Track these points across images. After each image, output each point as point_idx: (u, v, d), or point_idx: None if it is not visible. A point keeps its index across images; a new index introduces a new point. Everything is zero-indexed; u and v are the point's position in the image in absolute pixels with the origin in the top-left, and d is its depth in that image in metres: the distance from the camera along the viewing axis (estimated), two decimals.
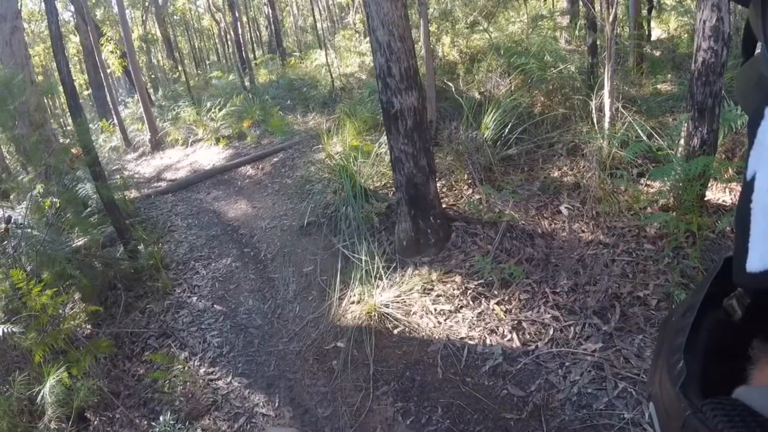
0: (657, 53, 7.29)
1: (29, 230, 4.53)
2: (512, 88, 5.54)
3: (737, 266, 0.30)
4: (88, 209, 5.44)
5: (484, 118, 4.91)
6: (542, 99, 5.30)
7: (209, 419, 3.21)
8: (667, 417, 0.34)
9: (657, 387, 0.36)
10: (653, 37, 8.23)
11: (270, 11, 17.30)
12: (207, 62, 24.54)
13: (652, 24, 9.36)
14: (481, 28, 7.51)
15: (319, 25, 17.94)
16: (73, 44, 15.99)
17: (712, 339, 0.35)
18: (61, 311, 3.73)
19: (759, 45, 0.32)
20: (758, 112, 0.30)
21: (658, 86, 5.84)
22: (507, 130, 4.76)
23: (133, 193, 7.33)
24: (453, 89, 5.71)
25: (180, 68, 18.76)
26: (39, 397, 3.04)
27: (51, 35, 4.91)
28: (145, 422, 3.33)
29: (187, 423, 3.17)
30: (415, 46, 5.31)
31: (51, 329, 3.48)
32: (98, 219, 5.42)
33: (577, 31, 6.99)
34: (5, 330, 3.30)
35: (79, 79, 17.96)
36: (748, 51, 0.34)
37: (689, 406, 0.30)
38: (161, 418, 3.17)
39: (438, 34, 7.41)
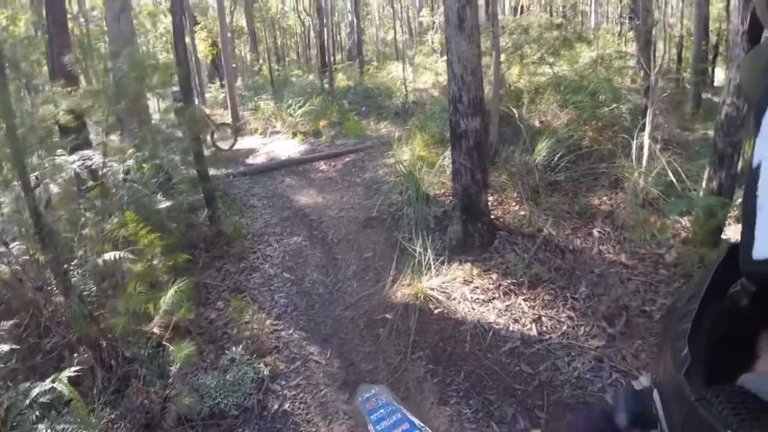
0: (717, 99, 7.57)
1: (134, 184, 5.39)
2: (567, 121, 6.03)
3: (743, 254, 0.29)
4: (173, 180, 6.29)
5: (538, 145, 5.44)
6: (591, 134, 5.77)
7: (271, 359, 3.87)
8: (672, 403, 0.33)
9: (661, 373, 0.36)
10: (717, 84, 8.47)
11: (355, 20, 18.20)
12: (287, 59, 25.73)
13: (718, 71, 9.57)
14: (547, 62, 7.99)
15: (398, 37, 18.71)
16: (163, 25, 16.71)
17: (717, 326, 0.35)
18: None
19: (765, 32, 0.31)
20: (765, 99, 0.29)
21: (709, 132, 6.17)
22: (557, 158, 5.29)
23: (213, 171, 8.23)
24: (516, 116, 6.19)
25: (261, 62, 19.96)
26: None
27: (174, 27, 5.74)
28: (213, 355, 3.98)
29: (254, 356, 3.86)
30: (487, 71, 5.87)
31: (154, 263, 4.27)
32: (183, 188, 6.26)
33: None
34: (122, 255, 4.05)
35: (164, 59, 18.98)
36: (754, 39, 0.37)
37: (693, 392, 0.30)
38: (234, 348, 3.79)
39: (508, 63, 7.94)
